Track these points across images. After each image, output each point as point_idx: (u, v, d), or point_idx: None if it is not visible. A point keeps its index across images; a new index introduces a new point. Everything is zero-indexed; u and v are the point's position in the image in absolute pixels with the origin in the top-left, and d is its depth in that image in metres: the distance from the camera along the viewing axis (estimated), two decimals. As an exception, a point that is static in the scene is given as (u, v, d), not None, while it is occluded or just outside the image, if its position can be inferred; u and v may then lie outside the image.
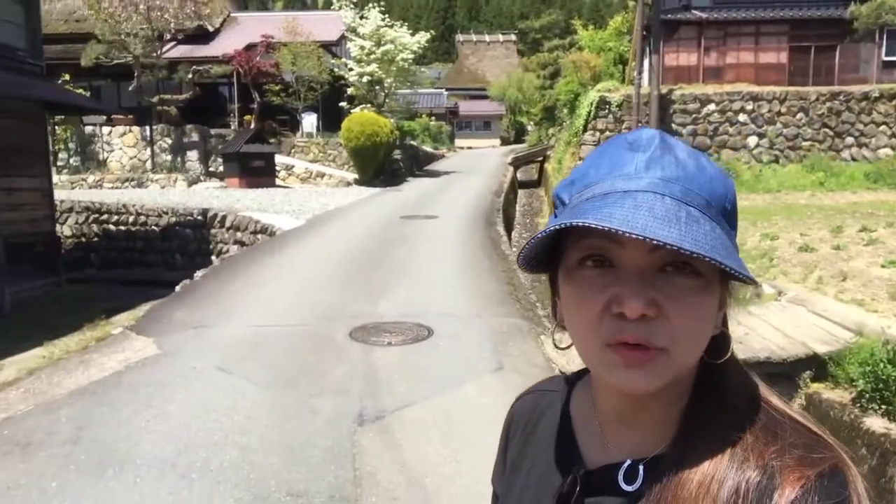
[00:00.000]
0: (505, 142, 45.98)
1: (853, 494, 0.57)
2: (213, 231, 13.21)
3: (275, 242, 10.53)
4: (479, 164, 26.29)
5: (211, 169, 19.85)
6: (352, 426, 4.05)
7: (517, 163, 24.55)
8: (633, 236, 0.53)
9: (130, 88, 18.94)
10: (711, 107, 16.15)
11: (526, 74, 43.14)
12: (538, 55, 37.44)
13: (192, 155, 19.61)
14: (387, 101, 22.53)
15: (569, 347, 0.67)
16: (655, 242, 0.53)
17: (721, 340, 0.64)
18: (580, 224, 0.55)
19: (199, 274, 8.34)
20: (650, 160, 0.60)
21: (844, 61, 18.22)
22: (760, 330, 5.25)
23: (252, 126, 21.50)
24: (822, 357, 4.46)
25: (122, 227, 14.12)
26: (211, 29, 23.83)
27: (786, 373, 4.55)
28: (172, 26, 19.68)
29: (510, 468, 0.80)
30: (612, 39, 19.67)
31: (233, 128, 22.52)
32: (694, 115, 16.13)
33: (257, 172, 18.16)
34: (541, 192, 21.23)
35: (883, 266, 6.91)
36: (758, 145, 15.97)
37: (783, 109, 16.00)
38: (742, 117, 16.13)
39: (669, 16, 17.99)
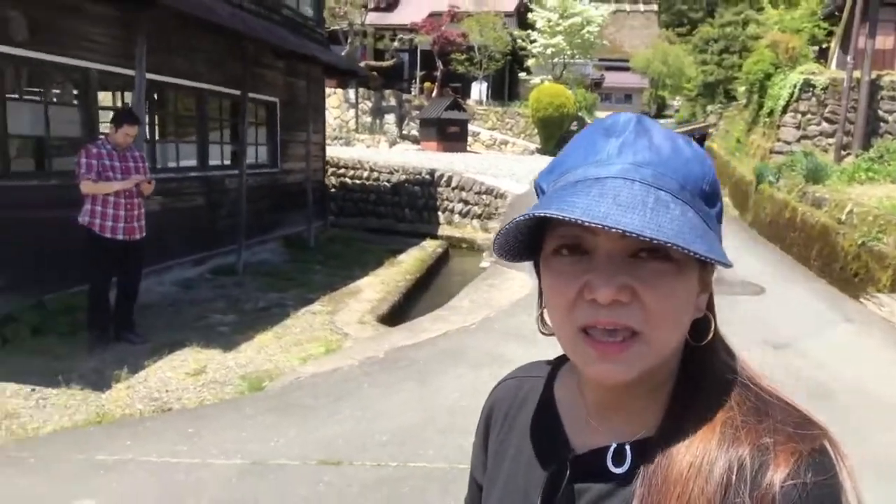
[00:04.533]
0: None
1: (842, 470, 0.58)
2: (438, 189, 14.80)
3: (521, 203, 11.90)
4: (637, 138, 26.82)
5: (404, 132, 21.66)
6: (768, 348, 5.29)
7: (678, 139, 24.99)
8: (594, 225, 0.53)
9: (343, 53, 20.92)
10: (923, 93, 16.00)
11: (672, 47, 42.32)
12: (702, 28, 36.44)
13: (389, 118, 21.48)
14: (563, 72, 23.45)
15: (552, 334, 0.65)
16: (614, 230, 0.53)
17: (704, 323, 0.64)
18: (541, 215, 0.55)
19: (493, 226, 9.81)
20: (623, 145, 0.59)
21: None
22: None
23: (434, 93, 23.12)
24: None
25: (357, 181, 16.02)
26: (396, -2, 25.55)
27: None
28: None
29: (493, 456, 0.78)
30: (805, 21, 19.56)
31: (413, 93, 24.22)
32: (903, 102, 16.06)
33: (452, 137, 19.74)
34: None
35: None
36: (971, 135, 15.73)
37: None
38: (956, 105, 15.89)
39: (879, -3, 17.67)
